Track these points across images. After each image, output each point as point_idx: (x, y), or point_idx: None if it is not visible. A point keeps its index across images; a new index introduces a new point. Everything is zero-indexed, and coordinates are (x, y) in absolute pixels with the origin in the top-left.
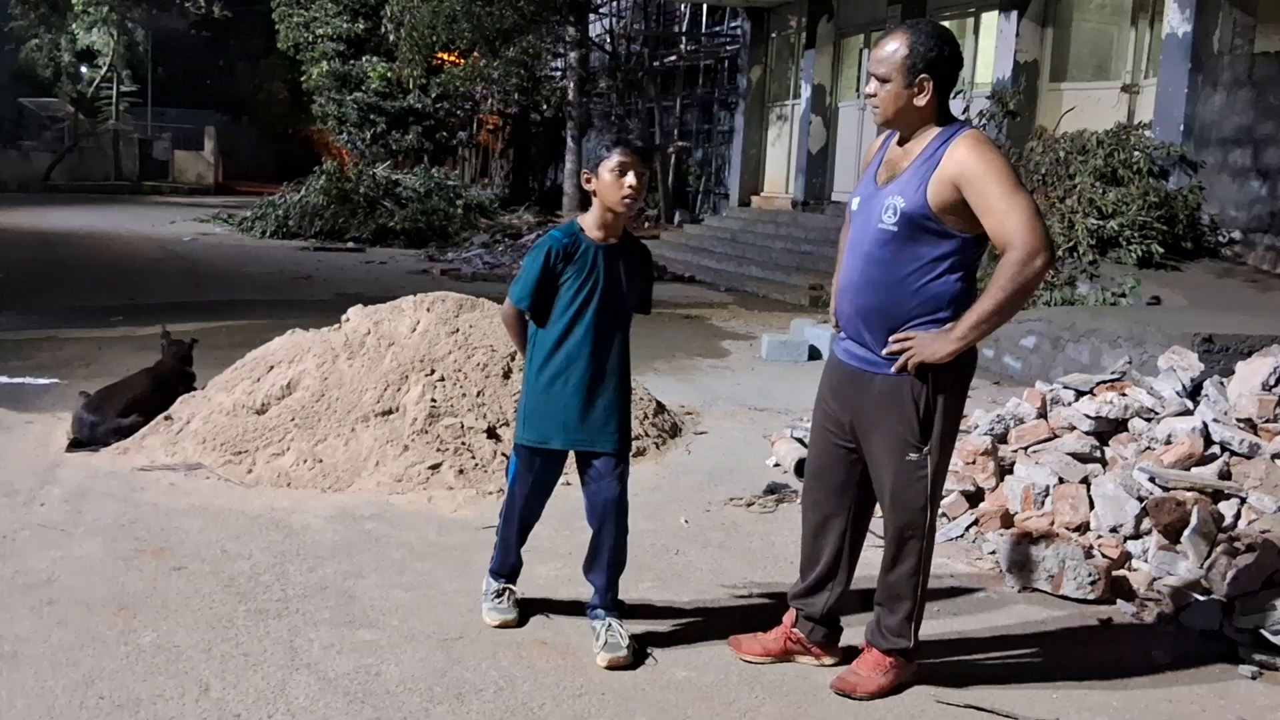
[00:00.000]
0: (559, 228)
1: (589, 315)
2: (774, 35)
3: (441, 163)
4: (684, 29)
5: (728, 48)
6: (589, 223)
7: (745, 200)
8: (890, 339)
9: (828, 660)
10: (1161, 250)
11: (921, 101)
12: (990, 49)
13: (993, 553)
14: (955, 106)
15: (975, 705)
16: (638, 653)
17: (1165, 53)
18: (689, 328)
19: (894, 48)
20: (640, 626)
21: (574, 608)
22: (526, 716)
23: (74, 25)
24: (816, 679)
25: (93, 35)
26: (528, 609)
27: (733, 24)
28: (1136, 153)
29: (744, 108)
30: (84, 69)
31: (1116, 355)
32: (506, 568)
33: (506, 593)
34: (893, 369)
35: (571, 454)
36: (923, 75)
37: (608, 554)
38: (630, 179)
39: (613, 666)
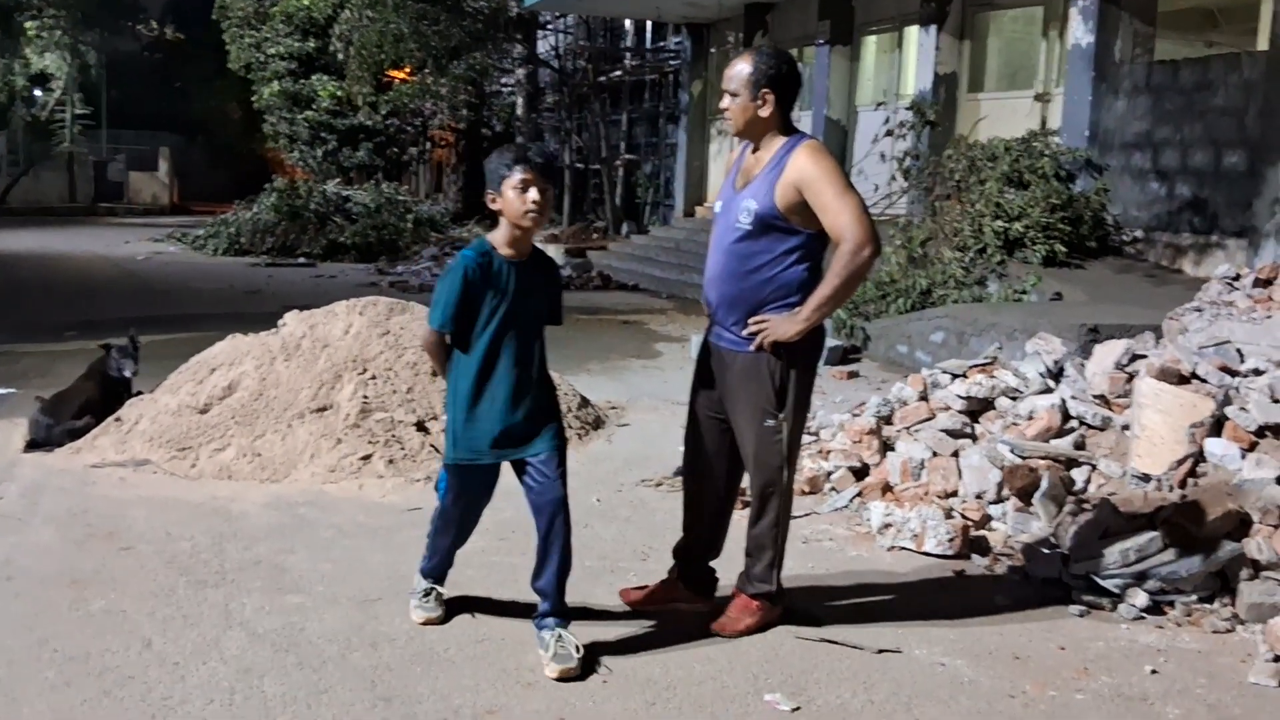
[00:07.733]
0: (470, 247)
1: (509, 332)
2: (713, 50)
3: (396, 179)
4: (629, 45)
5: (671, 63)
6: (499, 240)
7: (690, 211)
8: (749, 321)
9: (703, 606)
10: (1064, 250)
11: (765, 113)
12: (913, 62)
13: (870, 520)
14: (878, 117)
15: (828, 639)
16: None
17: (1070, 62)
18: (626, 332)
19: (741, 67)
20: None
21: (494, 586)
22: (432, 658)
23: (27, 50)
24: (691, 621)
25: (46, 59)
26: (453, 606)
27: (675, 39)
28: (1044, 158)
29: (686, 122)
30: (38, 93)
31: (1014, 346)
32: (436, 570)
33: (434, 593)
34: (751, 347)
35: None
36: (765, 89)
37: (558, 555)
38: (533, 194)
39: (563, 678)
